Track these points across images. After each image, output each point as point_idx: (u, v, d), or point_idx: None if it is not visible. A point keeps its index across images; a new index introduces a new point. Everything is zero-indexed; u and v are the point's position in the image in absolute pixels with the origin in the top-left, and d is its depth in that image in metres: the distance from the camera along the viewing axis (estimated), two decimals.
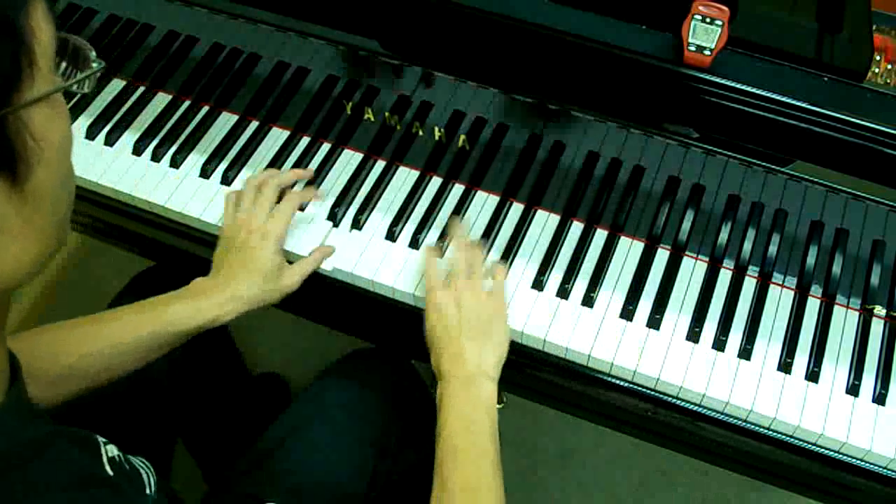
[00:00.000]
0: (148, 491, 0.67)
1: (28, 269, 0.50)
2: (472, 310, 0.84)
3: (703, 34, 0.81)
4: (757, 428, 0.87)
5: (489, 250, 0.96)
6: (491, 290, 0.87)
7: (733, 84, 0.83)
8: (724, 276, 0.94)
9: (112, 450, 0.63)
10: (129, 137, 1.06)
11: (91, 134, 1.06)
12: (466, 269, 0.87)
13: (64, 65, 0.52)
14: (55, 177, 0.49)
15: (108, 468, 0.60)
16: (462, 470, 0.76)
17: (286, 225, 0.92)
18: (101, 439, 0.63)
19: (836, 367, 0.88)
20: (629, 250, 0.96)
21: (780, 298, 0.93)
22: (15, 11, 0.44)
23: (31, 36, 0.45)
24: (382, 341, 1.07)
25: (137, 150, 1.05)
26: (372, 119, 1.02)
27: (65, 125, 0.50)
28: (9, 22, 0.43)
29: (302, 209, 0.99)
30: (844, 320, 0.92)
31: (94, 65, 0.54)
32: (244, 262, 0.88)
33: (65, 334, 0.83)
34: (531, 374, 0.93)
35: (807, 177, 0.84)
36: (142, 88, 1.11)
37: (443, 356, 0.82)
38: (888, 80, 0.88)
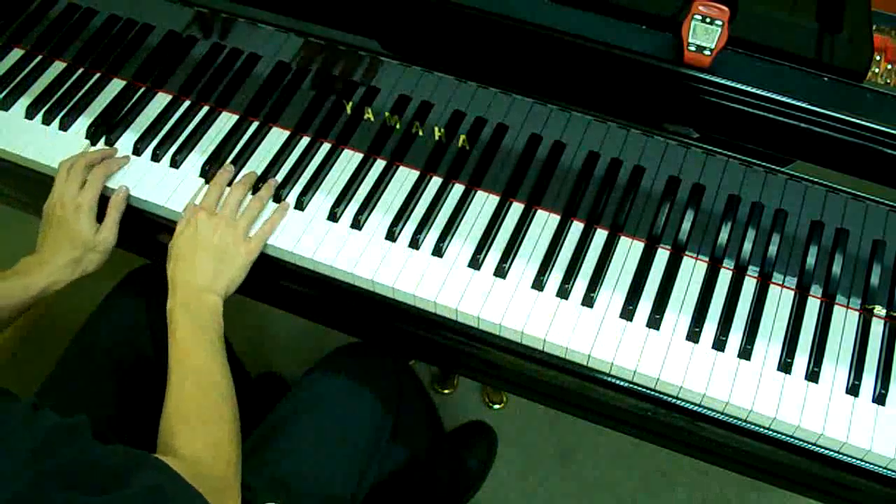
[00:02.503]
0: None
1: None
2: (220, 236, 0.93)
3: (703, 34, 0.81)
4: (757, 428, 0.87)
5: (488, 250, 0.96)
6: (252, 235, 0.96)
7: (733, 84, 0.83)
8: (724, 276, 0.94)
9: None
10: (129, 138, 1.06)
11: (91, 134, 1.06)
12: (234, 207, 0.97)
13: None
14: None
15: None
16: (187, 355, 0.85)
17: (96, 193, 0.98)
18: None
19: (836, 367, 0.88)
20: (629, 250, 0.96)
21: (780, 298, 0.93)
22: None
23: None
24: (382, 341, 1.07)
25: (137, 150, 1.05)
26: (372, 119, 1.02)
27: None
28: None
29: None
30: (844, 320, 0.92)
31: None
32: (63, 234, 0.96)
33: None
34: (531, 374, 0.93)
35: (807, 177, 0.84)
36: (142, 88, 1.11)
37: (182, 269, 0.91)
38: (888, 80, 0.88)
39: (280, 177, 1.02)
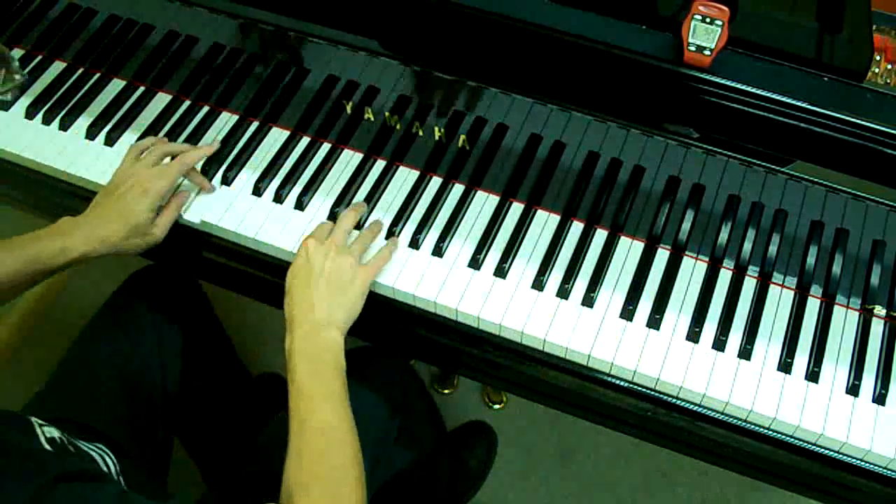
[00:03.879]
0: (105, 469, 0.67)
1: None
2: (338, 268, 0.88)
3: (703, 34, 0.81)
4: (757, 428, 0.87)
5: (488, 250, 0.96)
6: (367, 262, 0.92)
7: (733, 84, 0.83)
8: (724, 276, 0.94)
9: (51, 431, 0.63)
10: (129, 137, 1.06)
11: (91, 134, 1.06)
12: (344, 233, 0.93)
13: None
14: None
15: (45, 445, 0.60)
16: (313, 408, 0.79)
17: (169, 185, 0.95)
18: (36, 421, 0.63)
19: (836, 367, 0.88)
20: (629, 250, 0.96)
21: (780, 298, 0.93)
22: None
23: None
24: (381, 341, 1.07)
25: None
26: (372, 119, 1.02)
27: None
28: None
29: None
30: (844, 320, 0.92)
31: (17, 76, 0.53)
32: (118, 210, 0.92)
33: None
34: (531, 374, 0.93)
35: (807, 177, 0.84)
36: (142, 88, 1.11)
37: (299, 303, 0.86)
38: (888, 80, 0.88)
39: (279, 177, 1.02)
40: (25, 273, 0.87)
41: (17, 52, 1.14)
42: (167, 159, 0.98)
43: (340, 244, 0.91)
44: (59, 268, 0.89)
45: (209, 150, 1.01)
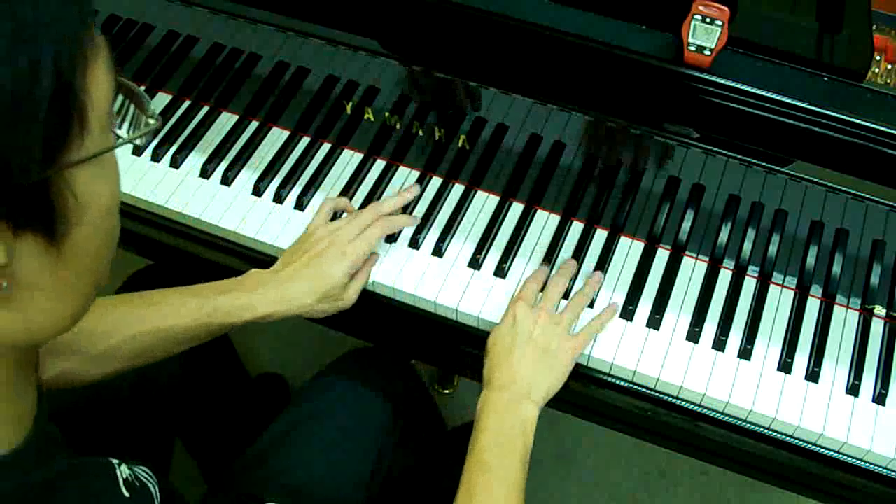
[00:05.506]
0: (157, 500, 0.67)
1: (57, 327, 0.47)
2: (546, 336, 0.83)
3: (703, 34, 0.81)
4: (757, 428, 0.87)
5: (488, 250, 0.96)
6: (576, 333, 0.87)
7: (733, 84, 0.83)
8: (724, 276, 0.94)
9: (124, 470, 0.63)
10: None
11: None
12: (556, 300, 0.87)
13: (119, 112, 0.49)
14: (96, 237, 0.45)
15: (124, 491, 0.60)
16: (487, 486, 0.75)
17: (368, 251, 0.90)
18: (114, 461, 0.63)
19: (836, 367, 0.88)
20: (629, 250, 0.96)
21: (780, 298, 0.93)
22: (73, 76, 0.39)
23: (86, 96, 0.41)
24: (382, 341, 1.07)
25: (138, 150, 1.05)
26: (372, 119, 1.02)
27: (112, 185, 0.46)
28: (63, 83, 0.39)
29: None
30: (844, 320, 0.92)
31: (151, 121, 0.50)
32: (313, 272, 0.86)
33: (112, 312, 0.82)
34: None
35: (807, 177, 0.84)
36: (142, 89, 1.11)
37: (499, 367, 0.82)
38: (888, 80, 0.88)
39: (279, 177, 1.02)
40: (200, 325, 0.82)
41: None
42: (364, 220, 0.92)
43: (551, 311, 0.86)
44: (234, 325, 0.84)
45: (412, 221, 0.96)
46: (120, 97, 0.49)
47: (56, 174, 0.40)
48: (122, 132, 0.49)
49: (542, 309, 0.86)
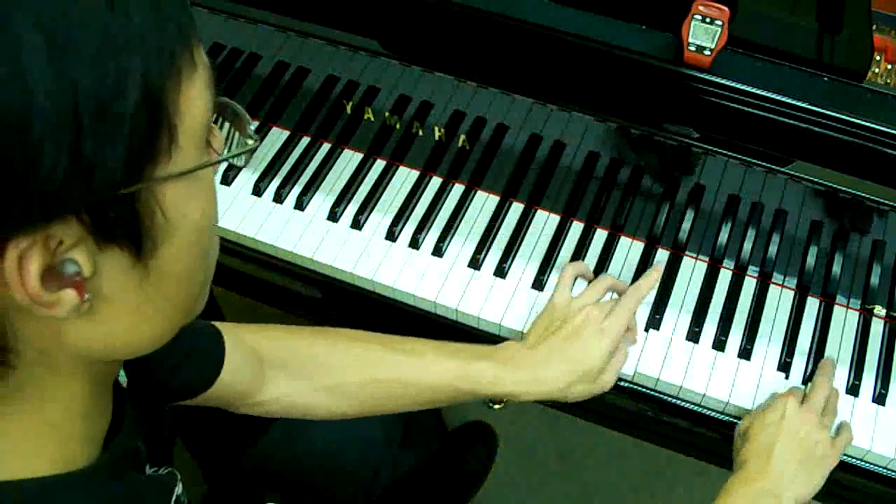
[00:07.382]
0: None
1: (139, 346, 0.46)
2: (808, 433, 0.81)
3: (703, 34, 0.81)
4: None
5: (488, 250, 0.96)
6: (834, 442, 0.83)
7: (733, 84, 0.83)
8: (724, 276, 0.94)
9: (179, 487, 0.62)
10: None
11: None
12: (822, 405, 0.84)
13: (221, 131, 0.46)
14: (185, 258, 0.44)
15: None
16: None
17: (625, 326, 0.85)
18: (177, 475, 0.62)
19: (836, 368, 0.88)
20: (629, 250, 0.96)
21: (780, 298, 0.93)
22: (162, 91, 0.39)
23: (178, 114, 0.40)
24: None
25: None
26: (372, 119, 1.02)
27: (206, 204, 0.44)
28: (153, 100, 0.38)
29: (302, 206, 0.99)
30: (844, 320, 0.92)
31: (250, 141, 0.48)
32: (571, 350, 0.82)
33: (345, 346, 0.80)
34: None
35: (807, 177, 0.84)
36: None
37: (758, 456, 0.79)
38: (888, 80, 0.88)
39: (279, 177, 1.02)
40: (447, 387, 0.79)
41: None
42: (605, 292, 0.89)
43: (820, 417, 0.82)
44: (478, 397, 0.81)
45: (654, 284, 0.91)
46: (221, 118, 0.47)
47: (143, 189, 0.39)
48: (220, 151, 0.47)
49: (812, 411, 0.82)
